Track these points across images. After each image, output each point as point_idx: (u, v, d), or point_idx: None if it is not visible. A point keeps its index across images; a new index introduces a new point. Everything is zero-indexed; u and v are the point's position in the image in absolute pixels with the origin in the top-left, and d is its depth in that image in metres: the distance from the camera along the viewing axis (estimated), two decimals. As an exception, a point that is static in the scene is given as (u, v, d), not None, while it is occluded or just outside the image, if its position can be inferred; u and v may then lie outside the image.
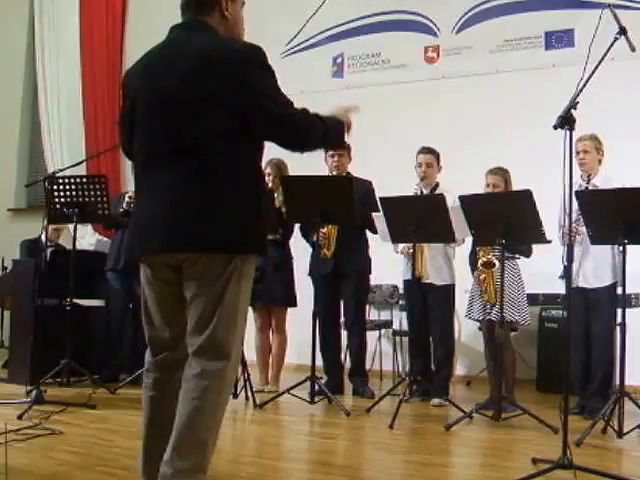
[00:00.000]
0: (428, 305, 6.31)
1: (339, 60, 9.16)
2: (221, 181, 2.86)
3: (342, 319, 6.77)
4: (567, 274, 3.95)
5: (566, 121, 3.72)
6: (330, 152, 6.46)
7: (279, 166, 6.57)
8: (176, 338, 3.02)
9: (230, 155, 2.87)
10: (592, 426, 4.84)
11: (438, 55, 8.63)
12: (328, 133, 3.05)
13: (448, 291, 6.35)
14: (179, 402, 2.86)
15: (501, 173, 6.00)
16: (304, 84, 8.46)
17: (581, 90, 3.81)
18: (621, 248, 5.03)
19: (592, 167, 5.72)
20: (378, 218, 5.94)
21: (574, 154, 5.61)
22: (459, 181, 6.07)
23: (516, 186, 5.88)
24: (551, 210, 5.52)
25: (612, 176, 5.63)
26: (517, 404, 5.51)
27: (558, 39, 8.05)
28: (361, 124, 8.48)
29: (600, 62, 3.88)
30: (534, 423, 5.16)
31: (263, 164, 6.41)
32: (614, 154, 5.86)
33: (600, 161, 5.79)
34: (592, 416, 5.15)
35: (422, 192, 6.31)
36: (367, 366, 6.98)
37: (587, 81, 3.84)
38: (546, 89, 7.47)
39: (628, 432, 4.95)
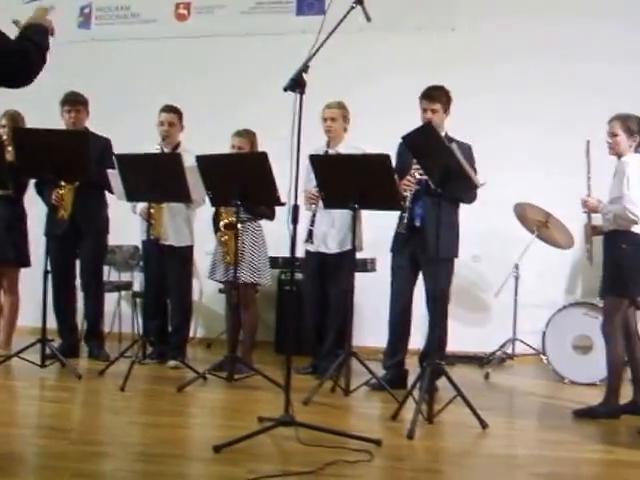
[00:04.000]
0: (165, 266, 6.22)
1: (87, 10, 8.73)
2: None
3: (78, 280, 6.55)
4: (292, 236, 4.00)
5: (296, 84, 3.77)
6: (66, 107, 6.24)
7: (15, 117, 6.27)
8: None
9: None
10: (320, 385, 5.03)
11: (189, 12, 8.46)
12: (40, 46, 3.18)
13: (186, 252, 6.31)
14: None
15: (246, 135, 5.99)
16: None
17: (313, 55, 3.93)
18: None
19: (338, 135, 5.85)
20: (114, 176, 5.76)
21: (321, 121, 5.77)
22: (203, 141, 5.95)
23: (261, 149, 5.89)
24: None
25: (358, 145, 5.73)
26: (250, 365, 5.60)
27: (309, 6, 8.13)
28: (106, 79, 8.20)
29: (334, 30, 3.99)
30: (267, 383, 5.25)
31: (-2, 115, 6.16)
32: (355, 120, 6.01)
33: (346, 129, 5.93)
34: (323, 376, 5.29)
35: (163, 151, 6.17)
36: (107, 328, 6.91)
37: (320, 46, 3.92)
38: (295, 55, 7.45)
39: (354, 390, 5.19)
